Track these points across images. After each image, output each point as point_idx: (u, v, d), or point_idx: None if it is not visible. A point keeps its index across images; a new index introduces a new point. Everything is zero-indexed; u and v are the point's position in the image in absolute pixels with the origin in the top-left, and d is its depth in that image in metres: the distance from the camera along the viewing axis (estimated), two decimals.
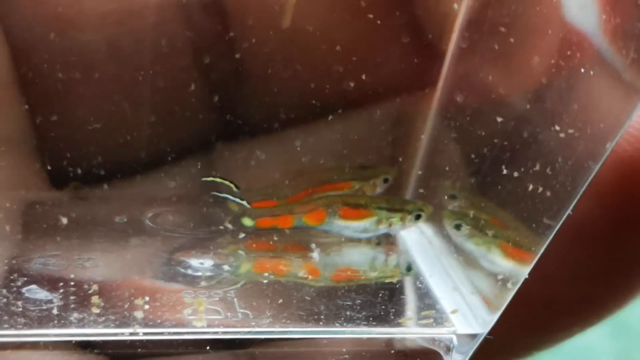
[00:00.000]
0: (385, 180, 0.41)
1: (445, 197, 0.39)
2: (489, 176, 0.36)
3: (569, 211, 0.31)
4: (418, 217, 0.40)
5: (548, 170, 0.32)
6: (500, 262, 0.37)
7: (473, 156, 0.37)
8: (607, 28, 0.30)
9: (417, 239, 0.41)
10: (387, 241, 0.41)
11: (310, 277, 0.38)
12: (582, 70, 0.31)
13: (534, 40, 0.35)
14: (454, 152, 0.40)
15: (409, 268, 0.40)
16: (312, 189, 0.40)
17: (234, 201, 0.38)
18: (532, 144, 0.33)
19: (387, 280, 0.38)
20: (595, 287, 0.38)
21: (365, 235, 0.40)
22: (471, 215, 0.39)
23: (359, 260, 0.40)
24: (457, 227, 0.39)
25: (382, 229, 0.40)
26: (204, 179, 0.39)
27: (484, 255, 0.38)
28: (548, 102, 0.33)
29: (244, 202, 0.38)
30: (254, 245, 0.39)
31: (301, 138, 0.40)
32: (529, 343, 0.40)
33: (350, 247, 0.40)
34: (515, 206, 0.34)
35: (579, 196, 0.31)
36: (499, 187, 0.35)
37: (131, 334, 0.33)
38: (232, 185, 0.38)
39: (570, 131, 0.31)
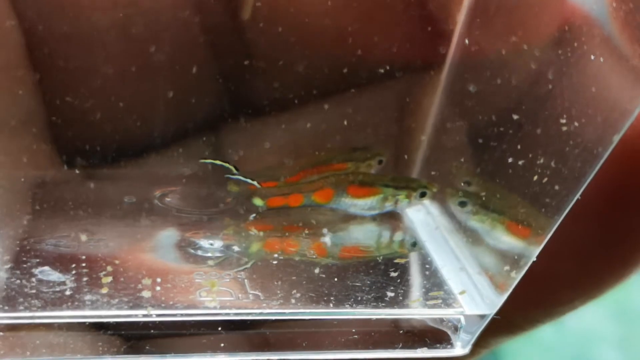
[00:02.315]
0: (380, 162, 0.41)
1: (462, 184, 0.40)
2: (499, 161, 0.36)
3: (577, 196, 0.32)
4: (423, 195, 0.40)
5: (558, 156, 0.32)
6: (504, 239, 0.37)
7: (483, 141, 0.38)
8: (617, 16, 0.31)
9: (424, 219, 0.42)
10: (392, 218, 0.42)
11: (318, 255, 0.38)
12: (592, 57, 0.31)
13: (541, 23, 0.35)
14: (463, 136, 0.40)
15: (414, 244, 0.40)
16: (309, 170, 0.40)
17: (245, 182, 0.38)
18: (542, 130, 0.34)
19: (393, 257, 0.39)
20: (595, 262, 0.38)
21: (371, 212, 0.40)
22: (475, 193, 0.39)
23: (365, 238, 0.41)
24: (462, 204, 0.39)
25: (389, 206, 0.40)
26: (201, 160, 0.39)
27: (488, 232, 0.38)
28: (557, 87, 0.33)
29: (255, 182, 0.38)
30: (262, 225, 0.39)
31: (307, 119, 0.40)
32: (533, 317, 0.41)
33: (356, 224, 0.41)
34: (525, 190, 0.35)
35: (588, 182, 0.31)
36: (509, 171, 0.35)
37: (144, 315, 0.33)
38: (232, 168, 0.38)
39: (580, 118, 0.32)
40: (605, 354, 1.03)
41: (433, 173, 0.42)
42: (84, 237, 0.37)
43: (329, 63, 0.40)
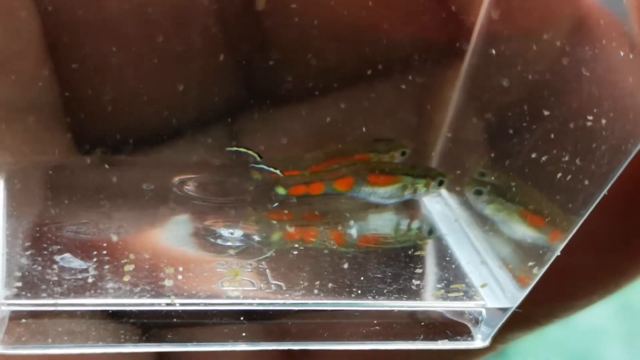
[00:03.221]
0: (403, 153, 0.41)
1: (477, 175, 0.40)
2: (524, 156, 0.36)
3: (604, 192, 0.32)
4: (441, 183, 0.41)
5: (585, 151, 0.32)
6: (520, 228, 0.37)
7: (505, 135, 0.38)
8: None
9: (443, 212, 0.42)
10: (409, 207, 0.42)
11: (338, 244, 0.38)
12: (622, 53, 0.31)
13: (566, 16, 0.35)
14: (484, 129, 0.40)
15: (430, 232, 0.41)
16: (331, 160, 0.40)
17: (269, 171, 0.38)
18: (569, 126, 0.33)
19: (413, 247, 0.39)
20: (614, 255, 0.38)
21: (391, 201, 0.41)
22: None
23: (384, 226, 0.41)
24: (477, 193, 0.39)
25: (408, 194, 0.41)
26: (228, 149, 0.39)
27: (503, 221, 0.38)
28: (585, 83, 0.33)
29: (278, 172, 0.38)
30: (283, 215, 0.40)
31: (327, 109, 0.40)
32: (550, 311, 0.41)
33: (375, 213, 0.41)
34: (550, 186, 0.35)
35: (615, 178, 0.31)
36: (535, 167, 0.35)
37: (168, 304, 0.33)
38: (255, 156, 0.38)
39: (608, 114, 0.32)
40: (610, 350, 1.03)
41: (452, 166, 0.42)
42: (104, 224, 0.37)
43: (350, 53, 0.40)
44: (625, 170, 0.31)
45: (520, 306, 0.36)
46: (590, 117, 0.32)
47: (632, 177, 0.35)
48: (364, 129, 0.41)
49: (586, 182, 0.32)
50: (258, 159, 0.38)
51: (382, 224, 0.41)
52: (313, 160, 0.40)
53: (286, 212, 0.40)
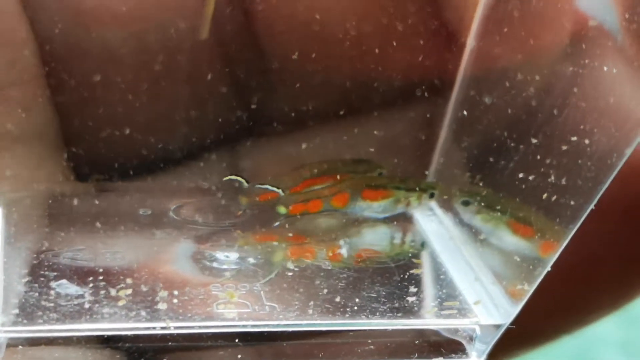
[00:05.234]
0: (380, 174, 0.42)
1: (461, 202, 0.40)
2: (509, 170, 0.36)
3: (591, 206, 0.32)
4: (432, 196, 0.42)
5: (571, 166, 0.33)
6: (510, 240, 0.37)
7: (493, 154, 0.38)
8: (629, 30, 0.31)
9: (437, 230, 0.42)
10: (400, 221, 0.42)
11: (333, 262, 0.39)
12: (605, 68, 0.32)
13: (553, 35, 0.36)
14: (473, 148, 0.40)
15: (423, 244, 0.41)
16: (312, 180, 0.41)
17: (272, 191, 0.39)
18: (555, 141, 0.34)
19: (407, 266, 0.39)
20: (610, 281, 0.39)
21: (384, 215, 0.41)
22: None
23: (377, 240, 0.41)
24: (465, 203, 0.40)
25: (400, 208, 0.41)
26: (225, 178, 0.40)
27: (492, 232, 0.39)
28: (571, 98, 0.33)
29: (280, 191, 0.39)
30: (277, 236, 0.40)
31: (324, 134, 0.40)
32: (551, 329, 0.41)
33: (367, 227, 0.41)
34: (538, 201, 0.35)
35: (603, 190, 0.31)
36: (522, 181, 0.36)
37: (163, 328, 0.34)
38: (243, 181, 0.39)
39: (594, 129, 0.32)
40: (608, 356, 1.02)
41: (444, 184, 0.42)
42: (100, 250, 0.37)
43: (340, 78, 0.40)
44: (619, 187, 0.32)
45: (514, 322, 0.36)
46: (579, 131, 0.32)
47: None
48: (349, 151, 0.41)
49: (574, 197, 0.32)
50: (245, 185, 0.39)
51: (376, 238, 0.42)
52: (294, 180, 0.40)
53: (279, 232, 0.40)
